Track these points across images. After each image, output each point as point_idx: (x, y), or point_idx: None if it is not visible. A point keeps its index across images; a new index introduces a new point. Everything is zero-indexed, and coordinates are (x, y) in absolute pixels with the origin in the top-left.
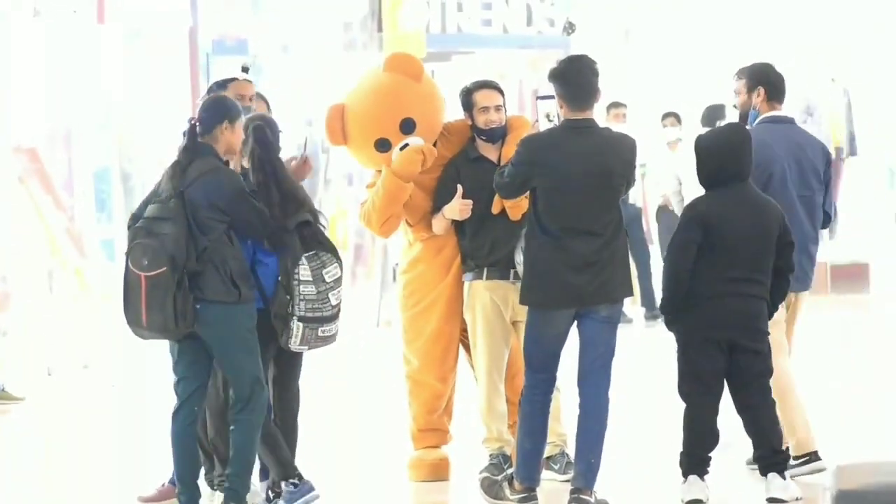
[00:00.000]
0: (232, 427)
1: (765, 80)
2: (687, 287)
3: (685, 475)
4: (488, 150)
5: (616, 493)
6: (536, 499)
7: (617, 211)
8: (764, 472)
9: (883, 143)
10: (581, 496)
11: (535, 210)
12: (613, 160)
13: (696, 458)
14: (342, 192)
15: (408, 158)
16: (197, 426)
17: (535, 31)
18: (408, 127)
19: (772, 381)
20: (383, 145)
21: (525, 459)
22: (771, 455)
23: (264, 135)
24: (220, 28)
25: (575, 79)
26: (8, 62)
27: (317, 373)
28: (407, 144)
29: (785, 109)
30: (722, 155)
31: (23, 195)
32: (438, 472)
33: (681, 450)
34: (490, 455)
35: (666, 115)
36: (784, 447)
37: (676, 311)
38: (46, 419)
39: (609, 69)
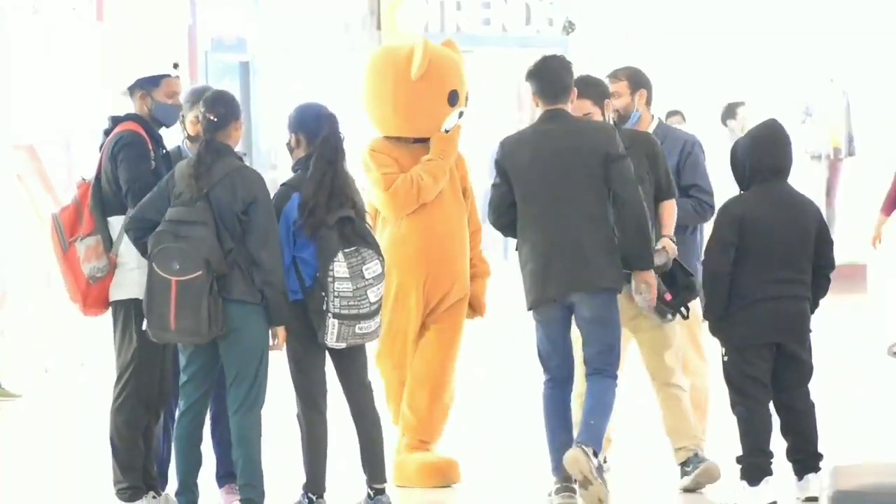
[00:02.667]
0: (232, 424)
1: (646, 83)
2: (727, 290)
3: (756, 479)
4: None
5: (615, 492)
6: (574, 490)
7: (597, 202)
8: (801, 474)
9: (881, 144)
10: (583, 447)
11: (519, 216)
12: (581, 140)
13: (763, 461)
14: None
15: (455, 142)
16: (202, 429)
17: (535, 30)
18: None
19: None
20: (454, 99)
21: (553, 453)
22: (810, 457)
23: (336, 125)
24: (218, 27)
25: (546, 75)
26: (7, 59)
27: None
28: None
29: (784, 110)
30: (756, 152)
31: (21, 193)
32: (449, 475)
33: (742, 455)
34: None
35: (671, 114)
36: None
37: (720, 315)
38: (43, 416)
39: (608, 68)
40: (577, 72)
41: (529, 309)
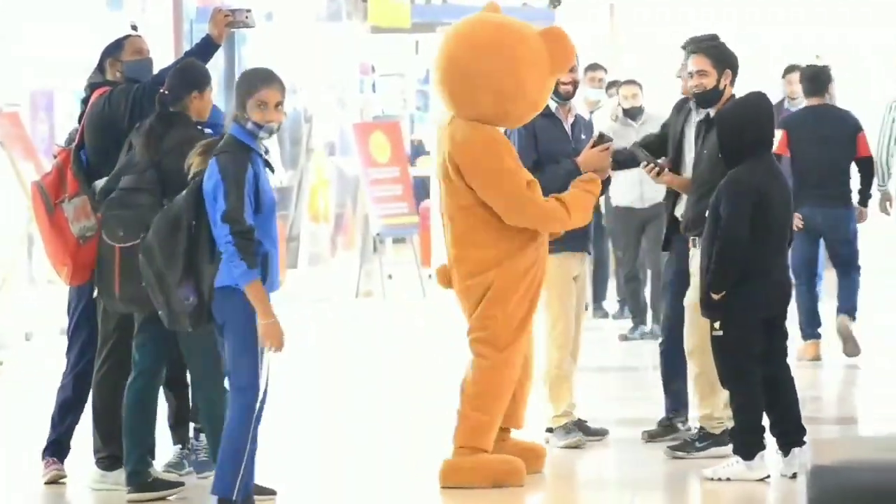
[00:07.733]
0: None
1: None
2: (741, 263)
3: (751, 454)
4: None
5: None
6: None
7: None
8: (787, 448)
9: (866, 120)
10: (673, 422)
11: None
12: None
13: (758, 436)
14: (323, 161)
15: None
16: (155, 401)
17: (521, 2)
18: None
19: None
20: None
21: None
22: (794, 430)
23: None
24: None
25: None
26: None
27: (297, 343)
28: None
29: (767, 85)
30: (754, 123)
31: (3, 160)
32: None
33: (736, 431)
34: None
35: (612, 84)
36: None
37: (728, 287)
38: (24, 383)
39: (593, 43)
40: None
41: None
